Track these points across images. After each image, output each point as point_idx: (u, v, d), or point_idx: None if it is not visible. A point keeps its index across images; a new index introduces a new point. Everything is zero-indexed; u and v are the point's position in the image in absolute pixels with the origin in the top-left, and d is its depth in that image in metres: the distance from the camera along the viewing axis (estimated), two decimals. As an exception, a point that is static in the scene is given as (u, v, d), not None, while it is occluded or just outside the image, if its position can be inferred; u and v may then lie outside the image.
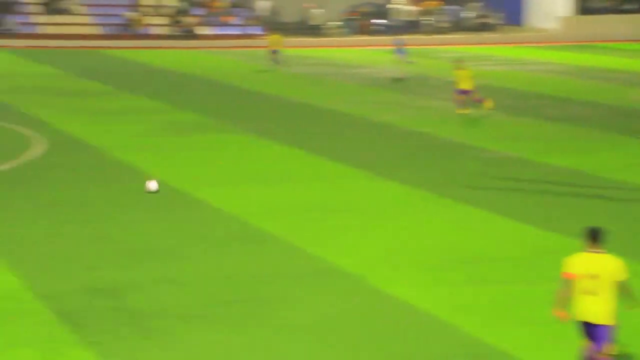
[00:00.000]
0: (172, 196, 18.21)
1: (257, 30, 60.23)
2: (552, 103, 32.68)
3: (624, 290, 9.64)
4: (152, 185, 18.17)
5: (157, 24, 58.32)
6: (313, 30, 62.60)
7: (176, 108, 30.08)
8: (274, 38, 44.59)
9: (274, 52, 44.05)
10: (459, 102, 29.47)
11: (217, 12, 60.56)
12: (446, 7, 67.63)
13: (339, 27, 63.55)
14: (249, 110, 30.50)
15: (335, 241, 15.35)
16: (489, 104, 29.55)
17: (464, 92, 29.51)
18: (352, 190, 19.03)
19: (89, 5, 58.45)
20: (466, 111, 29.31)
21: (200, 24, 58.58)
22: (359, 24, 64.03)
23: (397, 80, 38.67)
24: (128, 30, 57.03)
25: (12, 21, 54.43)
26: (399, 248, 15.06)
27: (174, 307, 12.12)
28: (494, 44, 60.73)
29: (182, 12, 59.60)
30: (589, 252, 9.70)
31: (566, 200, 18.38)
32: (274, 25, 61.22)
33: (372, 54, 52.85)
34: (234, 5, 62.02)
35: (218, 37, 57.14)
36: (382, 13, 66.14)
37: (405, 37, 44.52)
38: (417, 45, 59.29)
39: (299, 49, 53.91)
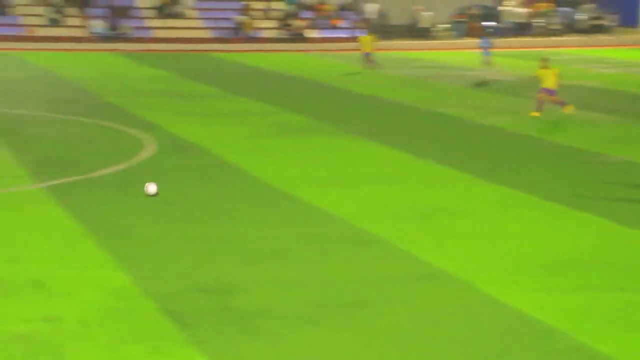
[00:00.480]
0: (280, 198, 18.29)
1: (365, 33, 60.27)
2: (668, 106, 31.79)
3: None
4: (151, 188, 18.05)
5: (267, 27, 58.89)
6: (421, 32, 62.33)
7: (284, 110, 30.27)
8: (366, 39, 44.48)
9: (367, 54, 43.89)
10: (539, 101, 29.01)
11: (326, 15, 60.82)
12: (559, 8, 66.54)
13: (447, 29, 63.13)
14: (356, 112, 30.48)
15: (442, 245, 15.18)
16: (569, 109, 28.93)
17: (549, 91, 29.01)
18: (459, 194, 18.81)
19: (199, 10, 59.40)
20: (538, 114, 28.84)
21: (308, 27, 58.90)
22: (467, 26, 63.47)
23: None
24: (238, 34, 57.75)
25: (126, 25, 55.70)
26: (507, 252, 14.79)
27: (280, 309, 12.12)
28: (608, 46, 59.48)
29: (291, 15, 60.03)
30: None
31: (683, 206, 17.81)
32: (382, 28, 61.22)
33: (481, 56, 52.20)
34: (343, 9, 62.17)
35: (326, 40, 57.36)
36: (491, 15, 65.44)
37: (492, 39, 43.69)
38: (528, 47, 58.50)
39: (407, 52, 53.76)
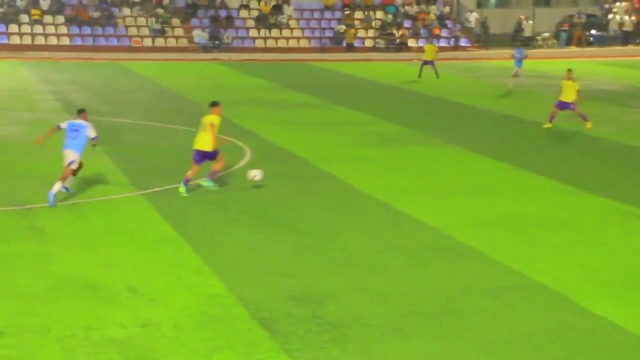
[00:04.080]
0: (373, 206, 18.30)
1: (466, 43, 59.83)
2: None
3: None
4: (255, 174, 19.05)
5: (367, 37, 58.97)
6: (523, 42, 61.57)
7: (379, 119, 30.25)
8: (430, 48, 43.87)
9: (426, 62, 43.19)
10: (552, 114, 28.39)
11: (426, 24, 60.60)
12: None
13: (550, 38, 62.22)
14: (453, 121, 30.28)
15: (537, 256, 14.99)
16: (588, 125, 28.20)
17: (562, 104, 28.26)
18: (556, 205, 18.53)
19: (300, 19, 59.84)
20: (549, 125, 28.19)
21: (409, 37, 58.78)
22: (572, 35, 62.44)
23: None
24: (338, 43, 57.98)
25: (228, 35, 56.44)
26: (604, 264, 14.52)
27: (371, 318, 12.14)
28: None
29: (392, 24, 59.99)
30: None
31: None
32: (483, 37, 60.72)
33: (585, 65, 51.37)
34: (443, 18, 61.86)
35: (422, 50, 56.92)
36: (597, 24, 64.32)
37: (525, 49, 42.36)
38: (634, 56, 57.32)
39: (507, 61, 53.09)
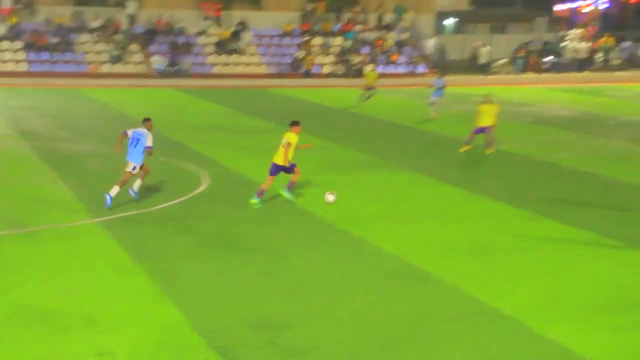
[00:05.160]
0: (333, 233, 18.28)
1: (423, 69, 60.26)
2: None
3: None
4: (330, 197, 20.69)
5: (325, 63, 59.20)
6: (480, 68, 62.16)
7: (338, 145, 30.30)
8: (371, 75, 44.03)
9: (369, 88, 43.27)
10: (469, 138, 28.87)
11: (384, 50, 60.95)
12: (620, 44, 66.08)
13: (506, 65, 62.90)
14: (412, 148, 30.41)
15: (495, 282, 15.04)
16: (489, 150, 28.75)
17: (480, 129, 28.78)
18: (514, 231, 18.63)
19: (258, 45, 59.93)
20: (466, 148, 28.70)
21: (366, 63, 59.08)
22: (527, 61, 63.16)
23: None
24: (296, 70, 58.15)
25: (187, 62, 56.37)
26: (561, 291, 14.60)
27: (330, 345, 12.10)
28: (670, 81, 58.72)
29: (350, 50, 60.28)
30: None
31: None
32: (440, 63, 61.21)
33: (541, 92, 51.94)
34: (401, 44, 62.27)
35: (384, 76, 57.21)
36: (552, 50, 65.11)
37: (446, 78, 42.08)
38: (588, 82, 58.02)
39: (465, 87, 53.56)
